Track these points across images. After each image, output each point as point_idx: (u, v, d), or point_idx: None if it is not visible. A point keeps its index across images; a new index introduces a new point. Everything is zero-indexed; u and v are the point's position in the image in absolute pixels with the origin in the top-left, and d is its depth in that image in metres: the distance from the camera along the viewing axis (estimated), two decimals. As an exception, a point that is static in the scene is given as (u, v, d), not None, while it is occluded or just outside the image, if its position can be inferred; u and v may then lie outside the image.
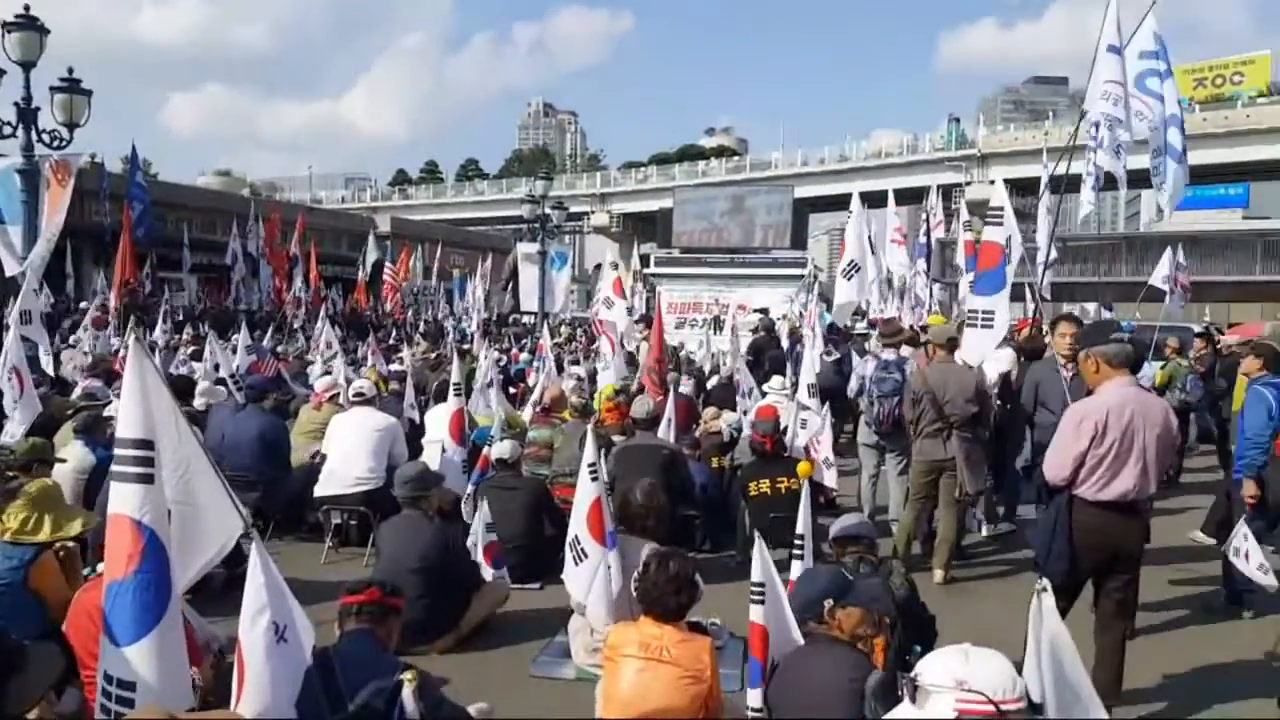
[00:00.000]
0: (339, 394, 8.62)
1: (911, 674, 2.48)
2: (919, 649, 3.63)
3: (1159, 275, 13.84)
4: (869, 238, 13.74)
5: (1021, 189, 39.67)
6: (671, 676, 3.62)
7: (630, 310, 17.78)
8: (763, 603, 3.62)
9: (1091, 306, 21.59)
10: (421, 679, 2.94)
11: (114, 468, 2.83)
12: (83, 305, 19.51)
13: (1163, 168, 9.13)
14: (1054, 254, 11.68)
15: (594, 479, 4.78)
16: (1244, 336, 13.53)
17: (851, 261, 12.46)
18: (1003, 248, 7.29)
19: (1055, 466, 4.53)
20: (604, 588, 4.78)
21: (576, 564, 4.88)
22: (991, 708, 2.30)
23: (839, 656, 3.37)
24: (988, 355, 7.53)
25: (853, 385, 8.77)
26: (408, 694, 2.88)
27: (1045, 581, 2.66)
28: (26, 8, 11.59)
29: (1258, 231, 45.63)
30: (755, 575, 3.65)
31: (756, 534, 3.78)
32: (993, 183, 47.46)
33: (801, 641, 3.64)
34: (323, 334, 15.21)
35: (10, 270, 11.39)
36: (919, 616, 4.33)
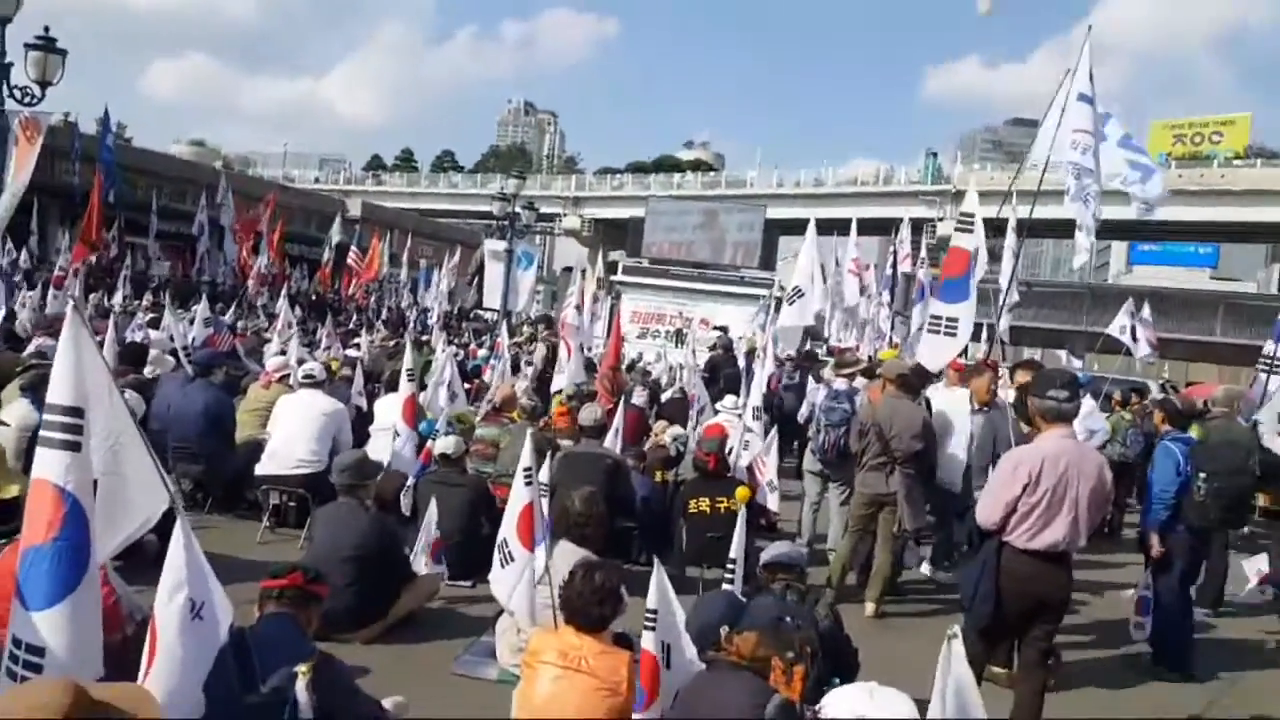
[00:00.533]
0: (289, 375, 8.56)
1: (816, 706, 2.53)
2: (838, 680, 3.66)
3: (1115, 326, 14.09)
4: (820, 265, 13.84)
5: (994, 229, 40.12)
6: (588, 687, 3.65)
7: (592, 317, 17.81)
8: (654, 629, 3.57)
9: (1062, 353, 21.92)
10: (331, 666, 2.94)
11: (41, 433, 2.80)
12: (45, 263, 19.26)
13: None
14: (1015, 297, 11.85)
15: (528, 484, 4.79)
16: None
17: (796, 287, 12.55)
18: (970, 255, 7.24)
19: (987, 510, 4.60)
20: (527, 592, 4.79)
21: (503, 566, 4.89)
22: None
23: (739, 682, 3.35)
24: (944, 362, 7.51)
25: (803, 411, 8.88)
26: (300, 686, 2.89)
27: (956, 627, 2.71)
28: (4, -36, 11.44)
29: (1222, 293, 46.58)
30: (650, 601, 3.58)
31: (656, 560, 3.77)
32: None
33: (698, 667, 3.63)
34: (282, 313, 15.06)
35: None
36: (842, 648, 4.36)
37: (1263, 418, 8.44)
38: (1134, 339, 13.89)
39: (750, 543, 5.36)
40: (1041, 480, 4.42)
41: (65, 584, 2.71)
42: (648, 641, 3.57)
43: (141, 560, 4.79)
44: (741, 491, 6.22)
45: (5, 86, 11.64)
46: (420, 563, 5.93)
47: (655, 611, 3.58)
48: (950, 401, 8.38)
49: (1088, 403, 9.11)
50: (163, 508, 2.96)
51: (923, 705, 2.61)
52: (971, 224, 7.36)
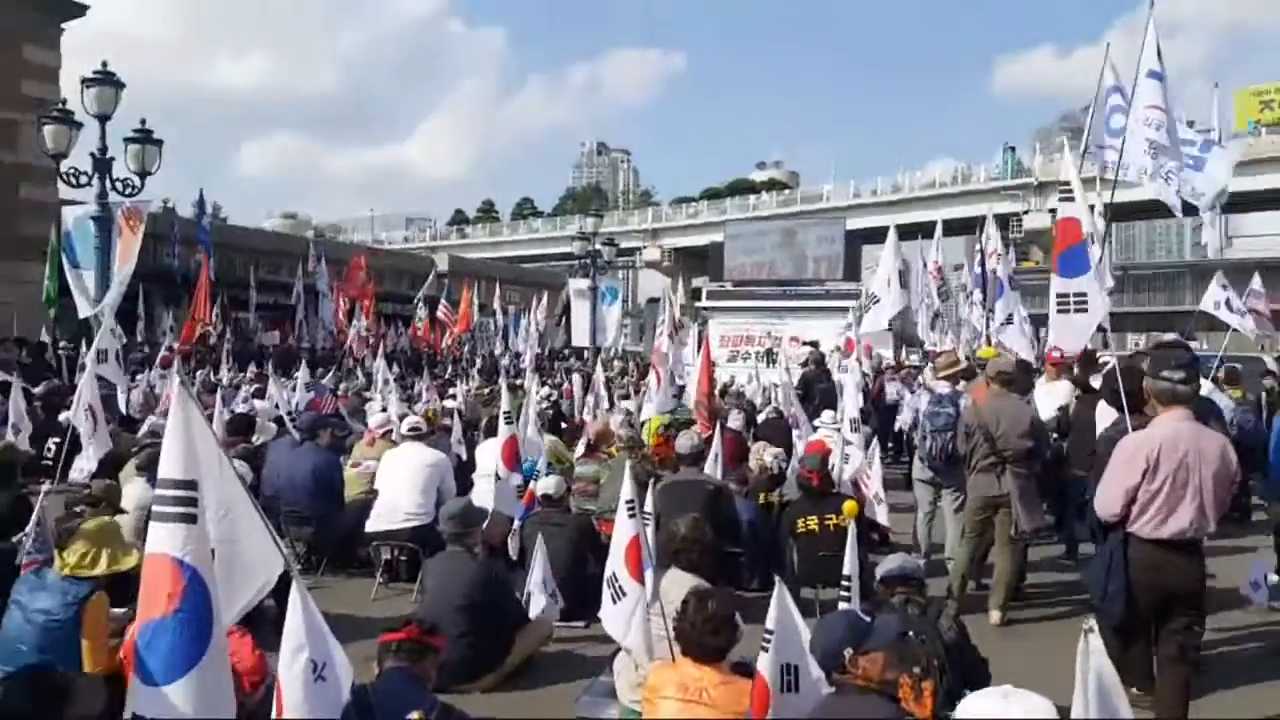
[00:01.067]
0: (392, 431, 8.74)
1: (955, 714, 2.44)
2: (969, 693, 3.53)
3: (1208, 301, 13.44)
4: (900, 270, 13.69)
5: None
6: (710, 718, 3.57)
7: (679, 344, 17.82)
8: (769, 650, 3.49)
9: (1170, 337, 21.02)
10: (451, 716, 2.95)
11: (155, 508, 2.86)
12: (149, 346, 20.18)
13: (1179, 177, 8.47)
14: (1110, 282, 11.41)
15: (631, 515, 4.76)
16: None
17: (873, 294, 12.42)
18: (1079, 222, 6.83)
19: (1106, 502, 4.43)
20: (642, 625, 4.74)
21: (614, 602, 4.85)
22: None
23: (869, 705, 3.24)
24: (1081, 343, 7.15)
25: (906, 419, 8.64)
26: None
27: (1092, 621, 2.58)
28: (104, 64, 12.15)
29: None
30: (769, 622, 3.50)
31: (777, 579, 3.69)
32: (1052, 211, 46.80)
33: (826, 689, 3.52)
34: (379, 371, 15.46)
35: (84, 313, 11.82)
36: (970, 659, 4.18)
37: None
38: (1231, 311, 13.20)
39: (864, 558, 5.23)
40: (1160, 466, 4.23)
41: (190, 656, 2.74)
42: (762, 664, 3.51)
43: (261, 624, 4.93)
44: (849, 506, 6.08)
45: (108, 180, 12.26)
46: (537, 605, 5.90)
47: (772, 632, 3.52)
48: (1053, 395, 8.08)
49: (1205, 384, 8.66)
50: (279, 571, 3.02)
51: (1063, 711, 2.49)
52: (1072, 193, 6.98)
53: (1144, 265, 47.81)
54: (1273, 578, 6.00)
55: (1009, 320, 13.12)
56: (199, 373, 17.28)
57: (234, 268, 28.94)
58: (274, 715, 2.88)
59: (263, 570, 3.04)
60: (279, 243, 40.42)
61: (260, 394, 13.04)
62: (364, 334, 24.85)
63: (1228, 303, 13.03)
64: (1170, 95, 8.30)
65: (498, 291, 32.74)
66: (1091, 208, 7.65)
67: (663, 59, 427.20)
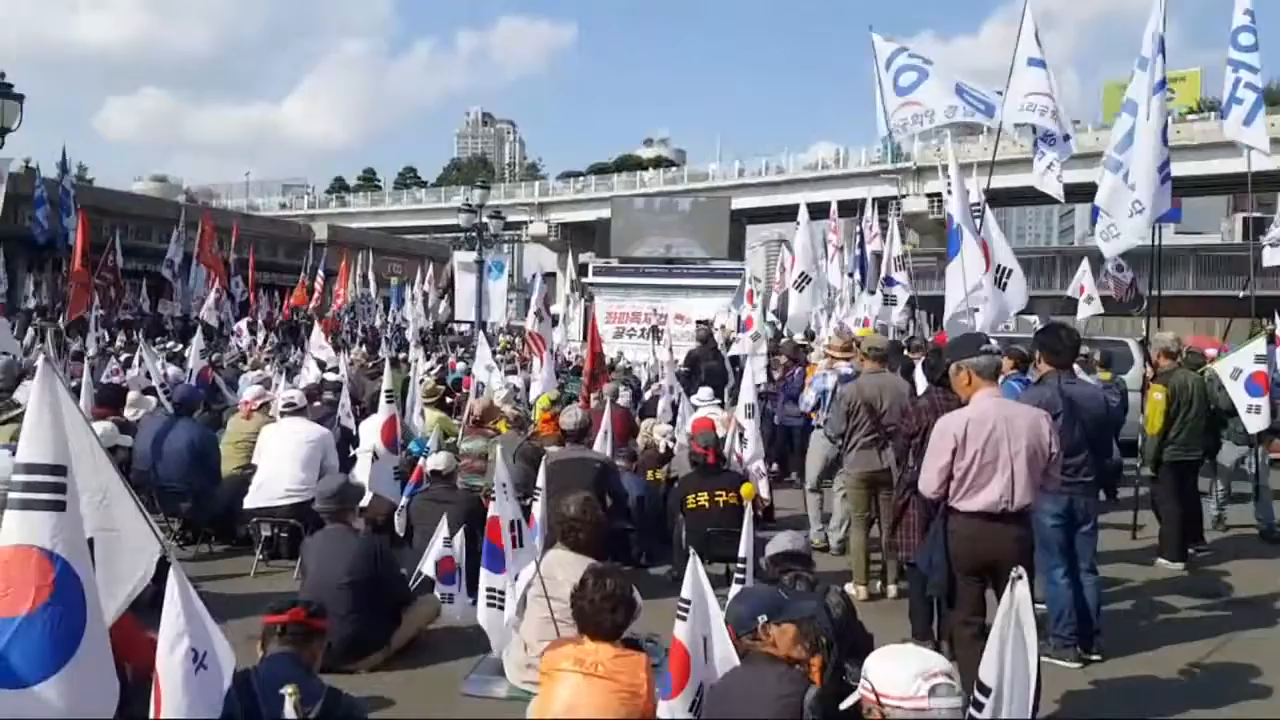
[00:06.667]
0: (268, 403, 8.47)
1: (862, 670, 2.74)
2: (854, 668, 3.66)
3: (1074, 286, 14.35)
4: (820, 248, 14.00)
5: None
6: (607, 691, 3.60)
7: (562, 319, 17.74)
8: (685, 619, 3.59)
9: (1033, 318, 22.18)
10: (339, 701, 2.91)
11: (16, 495, 2.64)
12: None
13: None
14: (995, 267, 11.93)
15: (505, 498, 4.88)
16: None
17: (803, 273, 12.62)
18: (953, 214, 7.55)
19: (925, 481, 4.67)
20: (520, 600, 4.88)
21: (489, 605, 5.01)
22: (872, 697, 2.60)
23: (776, 673, 3.36)
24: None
25: (809, 398, 8.67)
26: (289, 706, 2.88)
27: (1020, 570, 2.69)
28: (-40, 16, 11.30)
29: (1190, 247, 46.83)
30: (685, 591, 3.63)
31: (692, 550, 3.77)
32: (931, 195, 48.21)
33: (735, 660, 3.62)
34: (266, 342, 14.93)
35: None
36: (857, 636, 4.31)
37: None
38: (1085, 297, 14.11)
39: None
40: (969, 443, 4.45)
41: (62, 652, 2.57)
42: (680, 631, 3.59)
43: (138, 606, 4.73)
44: (746, 488, 6.21)
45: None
46: (434, 589, 5.78)
47: (689, 601, 3.60)
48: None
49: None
50: (156, 557, 2.89)
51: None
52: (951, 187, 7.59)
53: (1017, 250, 49.61)
54: None
55: (889, 301, 13.55)
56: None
57: (100, 231, 27.44)
58: (152, 705, 2.75)
59: (142, 556, 2.90)
60: (149, 207, 38.37)
61: (127, 365, 12.44)
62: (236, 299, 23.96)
63: (1081, 288, 13.97)
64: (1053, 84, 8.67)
65: (370, 261, 31.78)
66: (967, 192, 8.05)
67: (553, 30, 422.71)
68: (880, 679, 2.62)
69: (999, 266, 7.91)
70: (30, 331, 17.10)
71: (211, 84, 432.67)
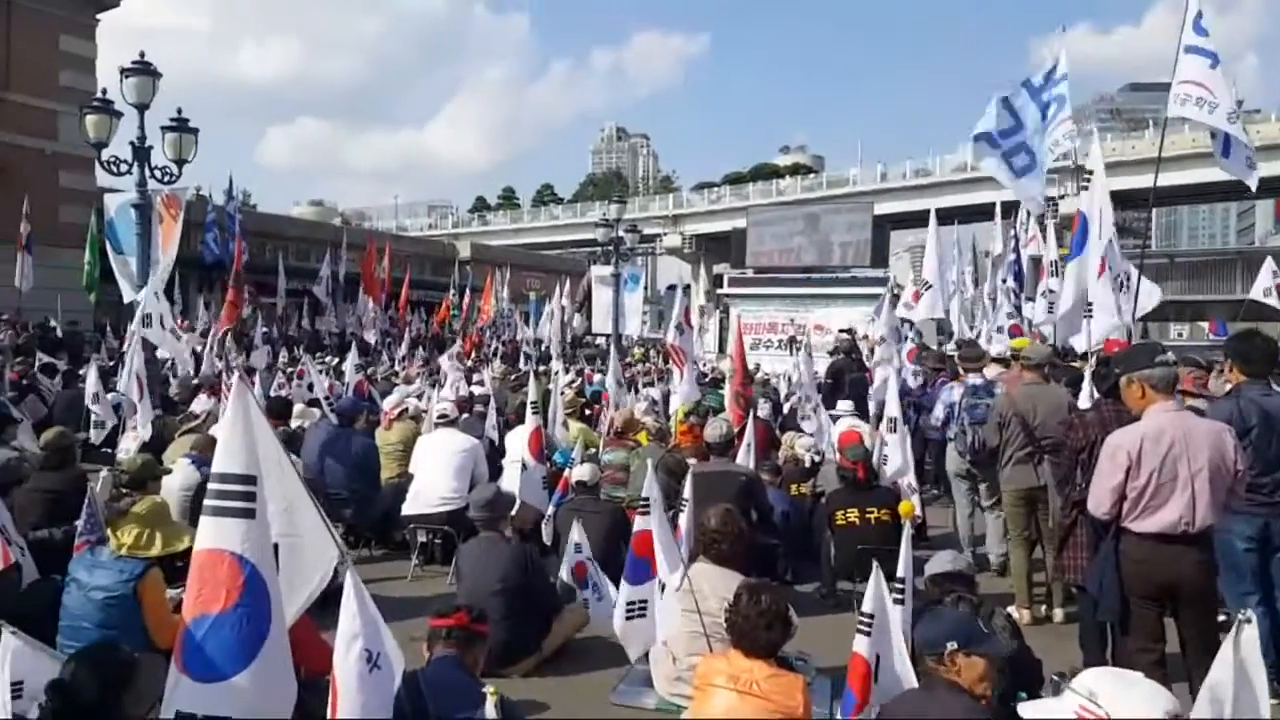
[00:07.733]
0: (406, 410, 8.85)
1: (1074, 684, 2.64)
2: (1024, 695, 3.50)
3: (1258, 289, 13.25)
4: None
5: (1121, 202, 38.33)
6: (762, 711, 3.56)
7: (697, 331, 17.68)
8: (869, 634, 3.52)
9: (1205, 325, 20.84)
10: (504, 702, 3.00)
11: (211, 502, 2.85)
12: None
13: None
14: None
15: (646, 512, 4.95)
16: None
17: (925, 281, 12.39)
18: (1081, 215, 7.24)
19: (1095, 502, 4.41)
20: (669, 616, 4.87)
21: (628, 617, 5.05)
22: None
23: (961, 704, 3.12)
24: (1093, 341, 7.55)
25: (939, 413, 8.44)
26: (490, 706, 2.96)
27: (1250, 613, 2.57)
28: (142, 54, 12.26)
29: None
30: (866, 605, 3.56)
31: (875, 564, 3.69)
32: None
33: (912, 681, 3.50)
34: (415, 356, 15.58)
35: (128, 297, 11.97)
36: (1024, 661, 4.15)
37: None
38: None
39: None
40: (1144, 461, 4.18)
41: (248, 652, 2.75)
42: (860, 646, 3.54)
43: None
44: (905, 506, 6.05)
45: (147, 168, 12.39)
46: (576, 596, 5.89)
47: (871, 616, 3.54)
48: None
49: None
50: (334, 562, 3.06)
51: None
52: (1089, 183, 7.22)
53: (1189, 253, 46.05)
54: None
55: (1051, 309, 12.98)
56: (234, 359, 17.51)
57: (263, 254, 29.29)
58: (330, 700, 2.90)
59: (321, 561, 3.07)
60: (307, 230, 40.70)
61: (292, 378, 13.20)
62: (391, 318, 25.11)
63: (1278, 289, 12.88)
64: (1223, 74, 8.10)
65: (507, 276, 32.61)
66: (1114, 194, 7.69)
67: (686, 42, 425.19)
68: (1115, 704, 2.47)
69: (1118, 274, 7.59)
70: (266, 351, 18.30)
71: (361, 112, 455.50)
